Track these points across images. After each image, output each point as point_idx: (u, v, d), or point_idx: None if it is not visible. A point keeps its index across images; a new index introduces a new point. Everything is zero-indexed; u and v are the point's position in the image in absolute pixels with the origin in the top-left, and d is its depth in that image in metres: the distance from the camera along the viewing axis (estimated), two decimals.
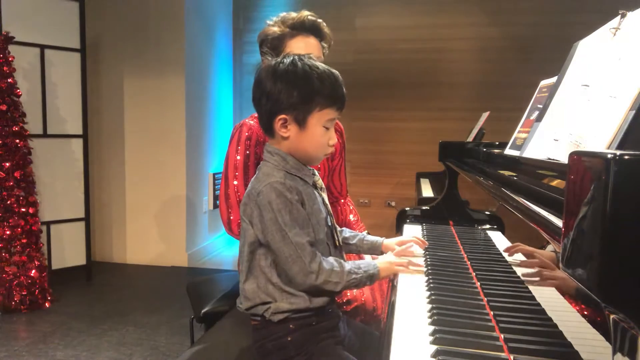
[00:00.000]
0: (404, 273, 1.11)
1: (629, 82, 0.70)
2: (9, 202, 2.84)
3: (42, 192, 3.14)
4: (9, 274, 2.83)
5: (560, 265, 0.49)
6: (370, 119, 4.33)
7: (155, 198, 3.95)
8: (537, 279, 1.02)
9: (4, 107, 2.81)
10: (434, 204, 1.75)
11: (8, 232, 2.82)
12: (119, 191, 3.99)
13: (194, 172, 4.04)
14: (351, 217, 1.73)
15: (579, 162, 0.47)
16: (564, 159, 0.76)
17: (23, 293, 2.86)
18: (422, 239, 1.29)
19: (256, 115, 1.39)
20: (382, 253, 1.25)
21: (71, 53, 3.30)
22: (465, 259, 1.21)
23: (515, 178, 1.01)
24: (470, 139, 3.02)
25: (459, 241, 1.41)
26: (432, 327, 0.79)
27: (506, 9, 4.05)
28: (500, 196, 0.99)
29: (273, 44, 1.46)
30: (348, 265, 1.05)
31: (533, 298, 0.92)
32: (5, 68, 2.83)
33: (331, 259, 1.05)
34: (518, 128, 1.27)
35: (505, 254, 1.24)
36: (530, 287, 0.97)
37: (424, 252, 1.25)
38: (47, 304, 2.97)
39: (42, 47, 3.16)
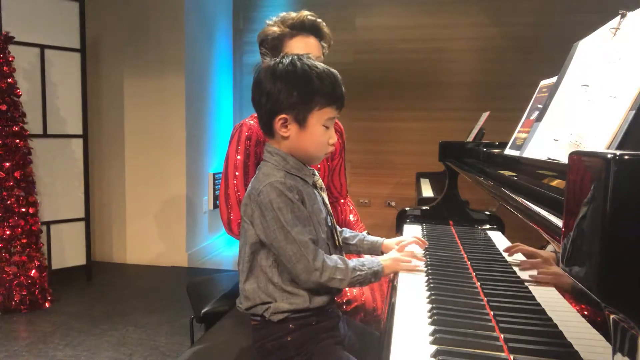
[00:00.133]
0: (408, 270, 1.12)
1: (629, 82, 0.70)
2: (9, 202, 2.84)
3: (42, 192, 3.14)
4: (9, 274, 2.83)
5: (560, 265, 0.49)
6: (370, 119, 4.33)
7: (155, 198, 3.95)
8: (533, 273, 1.03)
9: (4, 107, 2.81)
10: (434, 204, 1.75)
11: (8, 232, 2.82)
12: (119, 191, 3.99)
13: (194, 172, 4.04)
14: (351, 217, 1.73)
15: (579, 162, 0.47)
16: (564, 159, 0.76)
17: (23, 293, 2.86)
18: (422, 239, 1.29)
19: (256, 115, 1.40)
20: (382, 253, 1.25)
21: (71, 53, 3.30)
22: (465, 259, 1.21)
23: (515, 178, 1.01)
24: (470, 139, 3.02)
25: (459, 241, 1.41)
26: (432, 327, 0.79)
27: (506, 9, 4.05)
28: (500, 196, 0.99)
29: (273, 44, 1.46)
30: (352, 262, 1.06)
31: (533, 298, 0.92)
32: (5, 68, 2.83)
33: (334, 256, 1.06)
34: (518, 128, 1.27)
35: (505, 254, 1.24)
36: (530, 287, 0.97)
37: (424, 252, 1.25)
38: (47, 304, 2.97)
39: (42, 47, 3.16)
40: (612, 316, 0.45)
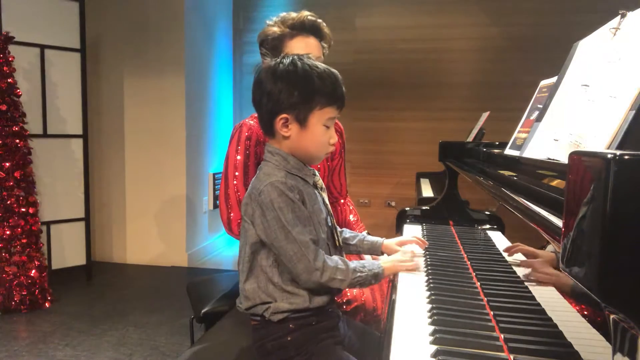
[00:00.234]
0: (408, 271, 1.12)
1: (629, 82, 0.70)
2: (9, 202, 2.84)
3: (42, 192, 3.14)
4: (9, 274, 2.83)
5: (560, 265, 0.49)
6: (370, 119, 4.33)
7: (155, 198, 3.95)
8: (530, 271, 1.03)
9: (4, 107, 2.81)
10: (434, 204, 1.75)
11: (8, 232, 2.82)
12: (119, 191, 3.99)
13: (194, 172, 4.04)
14: (351, 217, 1.73)
15: (579, 162, 0.47)
16: (564, 159, 0.76)
17: (23, 293, 2.86)
18: (422, 239, 1.29)
19: (256, 115, 1.39)
20: (382, 253, 1.25)
21: (71, 53, 3.30)
22: (465, 259, 1.21)
23: (515, 178, 1.01)
24: (470, 139, 3.02)
25: (459, 241, 1.41)
26: (432, 327, 0.79)
27: (506, 9, 4.05)
28: (500, 196, 0.99)
29: (273, 44, 1.46)
30: (352, 263, 1.06)
31: (533, 298, 0.92)
32: (5, 68, 2.83)
33: (335, 257, 1.06)
34: (518, 128, 1.27)
35: (505, 254, 1.24)
36: (530, 287, 0.97)
37: (424, 252, 1.25)
38: (47, 304, 2.97)
39: (42, 47, 3.16)
40: (612, 316, 0.45)
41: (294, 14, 1.47)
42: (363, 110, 4.27)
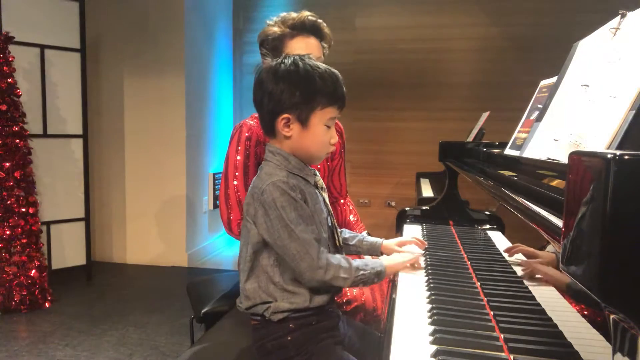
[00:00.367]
0: (411, 266, 1.12)
1: (629, 82, 0.70)
2: (9, 202, 2.84)
3: (42, 192, 3.14)
4: (9, 274, 2.83)
5: (560, 265, 0.49)
6: (370, 119, 4.33)
7: (155, 198, 3.95)
8: (530, 271, 1.03)
9: (4, 107, 2.81)
10: (434, 204, 1.75)
11: (8, 232, 2.82)
12: (119, 191, 3.99)
13: (194, 172, 4.04)
14: (351, 217, 1.73)
15: (579, 162, 0.47)
16: (564, 159, 0.76)
17: (23, 293, 2.86)
18: (422, 239, 1.29)
19: (256, 115, 1.39)
20: (381, 254, 1.25)
21: (71, 53, 3.30)
22: (465, 259, 1.21)
23: (515, 178, 1.01)
24: (470, 139, 3.02)
25: (459, 241, 1.41)
26: (432, 327, 0.79)
27: (506, 9, 4.05)
28: (500, 196, 0.99)
29: (273, 44, 1.46)
30: (355, 262, 1.06)
31: (533, 298, 0.92)
32: (5, 68, 2.82)
33: (338, 255, 1.06)
34: (518, 128, 1.27)
35: (505, 254, 1.24)
36: (530, 287, 0.97)
37: (424, 252, 1.25)
38: (47, 304, 2.97)
39: (42, 47, 3.16)
40: (612, 316, 0.45)
41: (294, 14, 1.47)
42: (363, 110, 4.27)
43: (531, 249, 1.11)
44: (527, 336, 0.75)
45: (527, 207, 0.78)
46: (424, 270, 1.12)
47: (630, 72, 0.72)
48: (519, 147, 1.13)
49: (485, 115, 3.05)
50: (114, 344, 2.51)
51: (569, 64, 1.00)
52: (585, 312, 0.71)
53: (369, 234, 1.40)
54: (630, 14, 0.81)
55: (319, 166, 1.56)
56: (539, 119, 1.05)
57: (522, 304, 0.89)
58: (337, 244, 1.15)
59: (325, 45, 1.52)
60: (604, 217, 0.41)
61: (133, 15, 3.86)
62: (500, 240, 1.43)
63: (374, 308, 1.45)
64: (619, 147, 0.65)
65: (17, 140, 2.88)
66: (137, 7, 3.85)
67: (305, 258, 0.99)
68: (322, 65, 1.07)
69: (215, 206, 4.26)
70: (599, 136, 0.72)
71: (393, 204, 4.36)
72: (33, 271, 2.89)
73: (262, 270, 1.05)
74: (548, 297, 0.89)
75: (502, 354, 0.71)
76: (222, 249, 4.49)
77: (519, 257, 1.18)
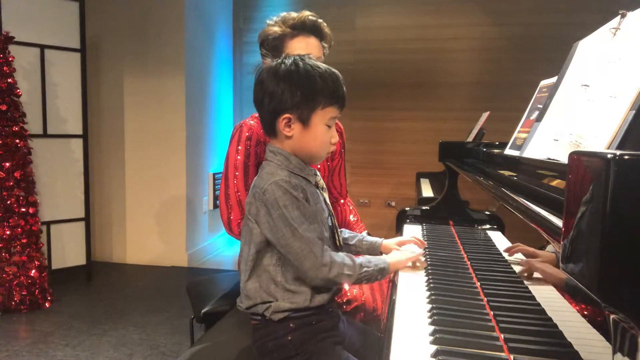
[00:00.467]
0: (413, 263, 1.13)
1: (629, 82, 0.70)
2: (9, 202, 2.83)
3: (42, 192, 3.14)
4: (9, 274, 2.83)
5: (560, 265, 0.49)
6: (370, 119, 4.33)
7: (155, 198, 3.95)
8: (529, 271, 1.03)
9: (4, 107, 2.81)
10: (434, 204, 1.75)
11: (8, 232, 2.82)
12: (119, 191, 3.99)
13: (194, 172, 4.04)
14: (351, 217, 1.73)
15: (579, 162, 0.47)
16: (564, 159, 0.76)
17: (23, 293, 2.86)
18: (422, 239, 1.30)
19: (256, 115, 1.40)
20: (381, 254, 1.25)
21: (71, 53, 3.30)
22: (465, 259, 1.21)
23: (515, 178, 1.01)
24: (470, 139, 3.02)
25: (459, 241, 1.41)
26: (432, 327, 0.79)
27: (506, 9, 4.05)
28: (500, 196, 0.99)
29: (273, 44, 1.46)
30: (359, 259, 1.06)
31: (533, 298, 0.92)
32: (5, 68, 2.82)
33: (341, 253, 1.06)
34: (518, 128, 1.27)
35: (505, 254, 1.24)
36: (530, 287, 0.97)
37: (423, 252, 1.25)
38: (47, 304, 2.97)
39: (42, 47, 3.16)
40: (612, 316, 0.45)
41: (294, 14, 1.47)
42: (363, 110, 4.27)
43: (531, 249, 1.11)
44: (527, 336, 0.75)
45: (527, 207, 0.78)
46: (424, 270, 1.12)
47: (630, 72, 0.72)
48: (519, 147, 1.14)
49: (485, 115, 3.05)
50: (114, 344, 2.51)
51: (568, 64, 1.00)
52: (585, 312, 0.71)
53: (369, 234, 1.40)
54: (630, 14, 0.81)
55: (319, 166, 1.56)
56: (539, 119, 1.05)
57: (522, 304, 0.89)
58: (338, 244, 1.15)
59: (326, 45, 1.52)
60: (603, 217, 0.41)
61: (133, 15, 3.85)
62: (500, 240, 1.43)
63: (374, 308, 1.45)
64: (619, 147, 0.65)
65: (17, 140, 2.88)
66: (137, 7, 3.84)
67: (309, 256, 1.00)
68: (323, 65, 1.07)
69: (215, 206, 4.26)
70: (599, 136, 0.72)
71: (393, 204, 4.36)
72: (33, 271, 2.89)
73: (263, 270, 1.05)
74: (548, 297, 0.89)
75: (502, 354, 0.71)
76: (222, 249, 4.49)
77: (519, 256, 1.18)
